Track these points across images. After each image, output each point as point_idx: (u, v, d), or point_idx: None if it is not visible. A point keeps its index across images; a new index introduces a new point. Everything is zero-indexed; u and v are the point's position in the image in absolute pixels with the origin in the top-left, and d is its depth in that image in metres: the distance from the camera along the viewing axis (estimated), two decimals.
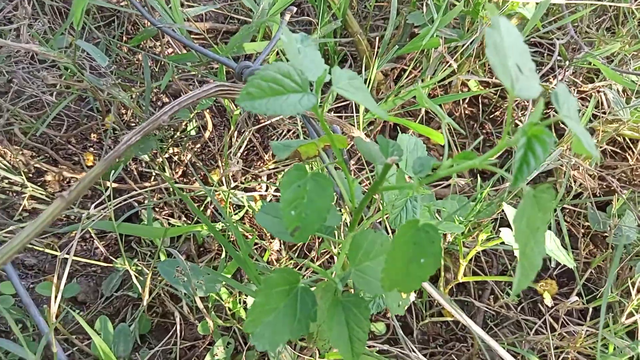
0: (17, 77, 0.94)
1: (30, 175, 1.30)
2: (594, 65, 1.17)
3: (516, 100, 1.20)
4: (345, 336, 0.51)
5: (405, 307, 0.60)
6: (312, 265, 0.50)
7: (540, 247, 0.44)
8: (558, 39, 1.25)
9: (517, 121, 1.21)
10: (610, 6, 1.21)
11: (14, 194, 1.25)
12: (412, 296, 0.77)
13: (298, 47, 0.58)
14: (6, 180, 1.24)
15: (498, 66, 0.39)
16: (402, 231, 0.45)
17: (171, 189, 1.21)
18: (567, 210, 1.16)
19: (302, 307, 0.51)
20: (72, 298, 1.15)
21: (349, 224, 0.65)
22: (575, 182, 1.04)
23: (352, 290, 0.61)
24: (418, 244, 0.45)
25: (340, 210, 0.84)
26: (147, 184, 1.27)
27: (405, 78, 1.19)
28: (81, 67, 0.99)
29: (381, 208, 0.73)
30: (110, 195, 0.83)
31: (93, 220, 0.84)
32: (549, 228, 1.08)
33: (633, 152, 1.23)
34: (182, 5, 1.49)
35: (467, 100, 1.37)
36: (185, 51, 1.27)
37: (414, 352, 0.76)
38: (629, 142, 1.22)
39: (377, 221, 0.84)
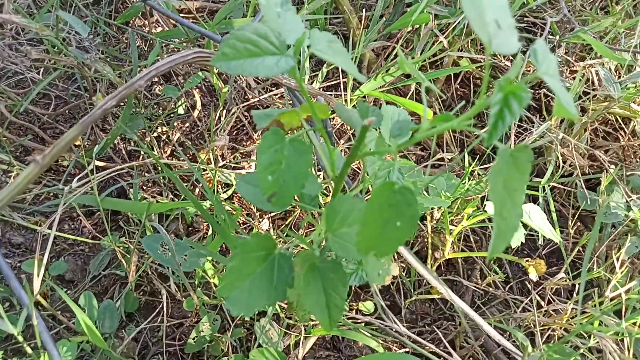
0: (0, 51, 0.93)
1: (18, 154, 1.28)
2: (586, 42, 1.16)
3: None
4: (323, 303, 0.50)
5: (387, 277, 0.59)
6: (291, 232, 0.49)
7: (518, 208, 0.43)
8: (550, 16, 1.24)
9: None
10: None
11: (1, 172, 1.24)
12: (396, 271, 0.77)
13: (277, 11, 0.57)
14: None
15: (475, 20, 0.38)
16: (378, 193, 0.44)
17: (160, 167, 1.20)
18: (558, 190, 1.16)
19: (279, 273, 0.50)
20: (60, 276, 1.14)
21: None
22: (565, 162, 1.04)
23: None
24: (394, 206, 0.45)
25: (322, 180, 0.83)
26: (135, 163, 1.26)
27: (395, 57, 1.18)
28: (67, 42, 0.97)
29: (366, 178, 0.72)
30: (93, 170, 0.82)
31: (76, 195, 0.83)
32: (537, 204, 1.08)
33: (625, 131, 1.22)
34: None
35: (458, 81, 1.36)
36: (173, 28, 1.25)
37: (396, 323, 0.76)
38: (620, 122, 1.21)
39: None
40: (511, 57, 1.33)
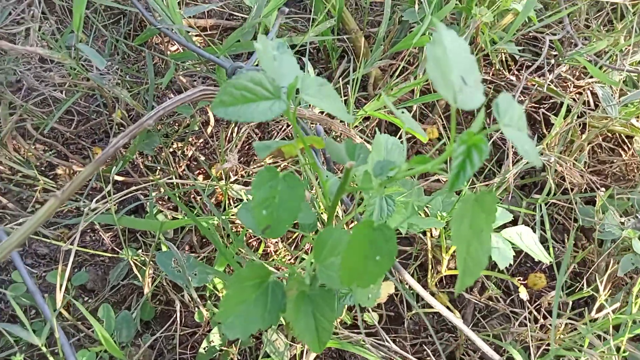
0: (25, 77, 1.00)
1: (43, 169, 1.36)
2: (590, 59, 1.18)
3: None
4: (312, 327, 0.55)
5: (377, 300, 0.64)
6: (281, 262, 0.54)
7: (485, 246, 0.47)
8: (554, 34, 1.26)
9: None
10: (607, 1, 1.22)
11: (27, 187, 1.32)
12: (391, 289, 0.81)
13: (274, 54, 0.62)
14: (20, 174, 1.31)
15: (439, 80, 0.42)
16: (358, 231, 0.48)
17: (174, 184, 1.26)
18: (559, 206, 1.18)
19: (272, 299, 0.55)
20: (82, 286, 1.21)
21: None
22: (564, 179, 1.06)
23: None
24: (373, 242, 0.49)
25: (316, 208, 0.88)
26: (151, 178, 1.32)
27: (400, 75, 1.22)
28: (86, 67, 1.04)
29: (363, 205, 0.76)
30: (110, 191, 0.89)
31: (95, 214, 0.89)
32: (529, 225, 1.10)
33: (629, 147, 1.24)
34: (184, 3, 1.53)
35: None
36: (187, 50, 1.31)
37: (389, 342, 0.80)
38: (624, 137, 1.23)
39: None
40: (516, 73, 1.36)
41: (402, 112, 0.57)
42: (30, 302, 1.13)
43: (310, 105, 1.09)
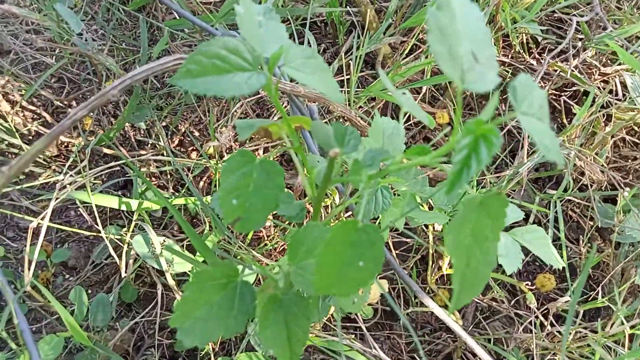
0: (2, 37, 0.92)
1: (30, 137, 1.30)
2: (621, 44, 1.08)
3: None
4: (284, 336, 0.47)
5: (364, 304, 0.56)
6: (252, 262, 0.47)
7: (490, 257, 0.39)
8: (581, 15, 1.16)
9: None
10: None
11: (13, 156, 1.25)
12: (385, 287, 0.73)
13: (259, 20, 0.53)
14: (5, 142, 1.24)
15: (443, 55, 0.34)
16: (337, 232, 0.41)
17: (163, 158, 1.19)
18: (574, 203, 1.09)
19: (240, 302, 0.48)
20: (63, 263, 1.16)
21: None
22: (583, 174, 0.97)
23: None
24: (356, 246, 0.41)
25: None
26: (143, 152, 1.25)
27: (411, 53, 1.12)
28: (72, 31, 0.96)
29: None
30: (86, 166, 0.82)
31: (65, 190, 0.82)
32: (541, 222, 1.02)
33: None
34: None
35: None
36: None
37: (376, 349, 0.73)
38: None
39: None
40: (537, 56, 1.26)
41: (404, 94, 0.49)
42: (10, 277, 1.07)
43: None
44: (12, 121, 1.26)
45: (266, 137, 0.64)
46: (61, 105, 1.34)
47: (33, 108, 1.29)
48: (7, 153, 1.26)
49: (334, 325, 0.99)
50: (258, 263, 0.91)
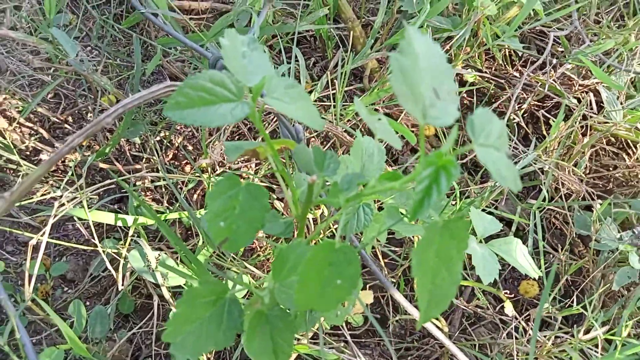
0: (1, 60, 0.96)
1: (27, 153, 1.33)
2: (597, 59, 1.12)
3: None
4: (270, 349, 0.51)
5: (345, 317, 0.60)
6: (237, 281, 0.50)
7: (455, 277, 0.42)
8: (561, 29, 1.20)
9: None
10: None
11: (11, 172, 1.29)
12: (370, 299, 0.77)
13: (243, 51, 0.57)
14: (3, 158, 1.27)
15: (405, 94, 0.38)
16: (316, 252, 0.44)
17: (154, 175, 1.22)
18: (557, 211, 1.13)
19: (228, 318, 0.52)
20: (62, 276, 1.19)
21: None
22: (563, 185, 1.01)
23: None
24: (334, 265, 0.45)
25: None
26: (138, 166, 1.28)
27: None
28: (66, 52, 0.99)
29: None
30: (82, 184, 0.85)
31: (70, 205, 0.86)
32: (524, 230, 1.06)
33: (634, 151, 1.18)
34: None
35: (465, 90, 1.33)
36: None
37: (359, 357, 0.77)
38: (628, 141, 1.17)
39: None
40: (519, 69, 1.30)
41: (379, 119, 0.52)
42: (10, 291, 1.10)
43: None
44: (9, 137, 1.29)
45: (254, 157, 0.68)
46: (57, 121, 1.37)
47: (30, 125, 1.33)
48: (5, 169, 1.29)
49: (324, 334, 1.02)
50: (249, 275, 0.94)
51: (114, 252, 1.07)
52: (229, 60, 0.52)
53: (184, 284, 0.90)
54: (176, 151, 1.32)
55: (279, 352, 0.51)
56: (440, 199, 0.37)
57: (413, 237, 1.05)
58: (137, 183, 1.21)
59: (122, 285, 0.94)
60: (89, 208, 1.05)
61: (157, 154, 1.26)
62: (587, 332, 0.82)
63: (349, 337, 0.81)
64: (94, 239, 1.00)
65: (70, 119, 1.39)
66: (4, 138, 1.29)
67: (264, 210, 0.53)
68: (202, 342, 0.50)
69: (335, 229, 1.10)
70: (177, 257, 1.07)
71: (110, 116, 0.59)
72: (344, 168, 0.65)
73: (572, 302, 1.03)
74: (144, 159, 1.30)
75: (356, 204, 0.63)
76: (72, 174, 1.09)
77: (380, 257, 1.16)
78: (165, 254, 0.89)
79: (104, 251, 0.95)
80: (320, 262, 0.45)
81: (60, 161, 1.32)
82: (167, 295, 0.88)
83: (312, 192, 0.49)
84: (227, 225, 0.51)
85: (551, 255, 1.12)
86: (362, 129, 1.24)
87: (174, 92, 0.49)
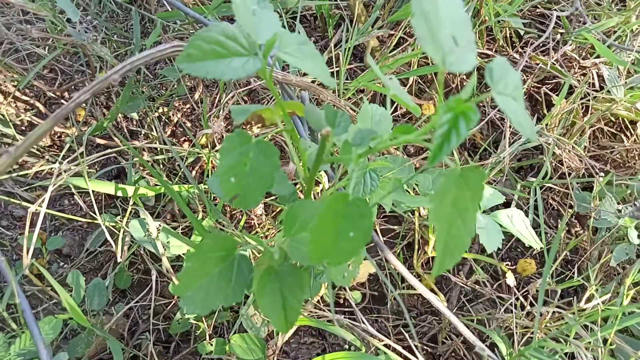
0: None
1: (23, 128, 1.31)
2: (598, 37, 1.12)
3: None
4: (279, 305, 0.51)
5: (355, 279, 0.60)
6: (249, 236, 0.50)
7: (469, 227, 0.42)
8: (562, 10, 1.20)
9: None
10: None
11: (6, 146, 1.27)
12: (372, 268, 0.77)
13: (253, 9, 0.56)
14: None
15: (426, 38, 0.37)
16: (331, 204, 0.44)
17: (159, 148, 1.21)
18: (555, 191, 1.14)
19: (237, 274, 0.51)
20: (58, 251, 1.17)
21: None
22: (562, 163, 1.02)
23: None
24: (347, 217, 0.45)
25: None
26: (136, 142, 1.27)
27: (398, 46, 1.16)
28: (67, 21, 0.97)
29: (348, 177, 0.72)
30: (83, 152, 0.84)
31: (67, 175, 0.84)
32: (522, 209, 1.06)
33: (632, 133, 1.19)
34: None
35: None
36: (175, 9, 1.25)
37: (364, 323, 0.77)
38: (627, 122, 1.18)
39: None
40: (520, 50, 1.30)
41: (390, 79, 0.52)
42: None
43: (299, 71, 1.04)
44: (5, 111, 1.27)
45: (259, 123, 0.68)
46: (54, 96, 1.35)
47: (26, 99, 1.31)
48: (0, 143, 1.27)
49: (323, 308, 1.02)
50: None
51: (112, 226, 1.06)
52: (240, 17, 0.51)
53: (184, 254, 0.90)
54: (174, 128, 1.31)
55: (288, 308, 0.51)
56: (460, 142, 0.37)
57: (412, 213, 1.05)
58: (135, 159, 1.20)
59: (121, 258, 0.94)
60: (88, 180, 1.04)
61: (156, 129, 1.25)
62: (587, 301, 0.83)
63: (353, 304, 0.81)
64: (93, 211, 0.99)
65: (66, 94, 1.37)
66: None
67: (274, 168, 0.53)
68: (211, 297, 0.49)
69: None
70: (177, 229, 1.06)
71: (117, 73, 0.58)
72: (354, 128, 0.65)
73: (568, 277, 1.04)
74: (142, 134, 1.29)
75: (364, 166, 0.62)
76: (72, 146, 1.07)
77: (379, 234, 1.16)
78: (166, 225, 0.89)
79: (103, 223, 0.94)
80: (334, 214, 0.44)
81: (56, 137, 1.30)
82: (167, 265, 0.87)
83: (325, 147, 0.48)
84: (237, 182, 0.51)
85: (549, 235, 1.12)
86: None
87: (187, 44, 0.48)
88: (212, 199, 1.17)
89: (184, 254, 0.89)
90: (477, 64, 0.39)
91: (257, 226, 1.17)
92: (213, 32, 0.48)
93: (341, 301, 1.12)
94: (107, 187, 0.93)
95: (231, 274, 0.51)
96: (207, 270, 0.50)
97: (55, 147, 1.29)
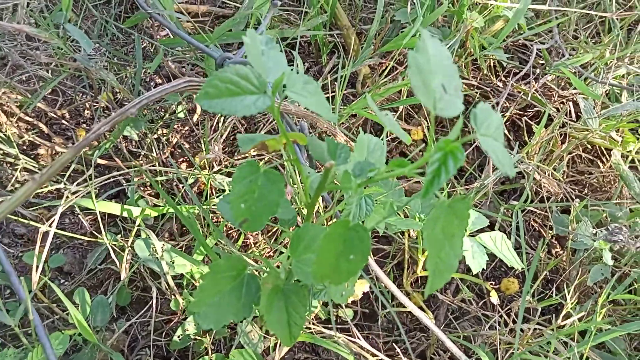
0: (11, 54, 0.99)
1: (24, 148, 1.35)
2: (575, 70, 1.20)
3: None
4: (284, 321, 0.56)
5: (351, 297, 0.65)
6: (258, 256, 0.55)
7: (457, 250, 0.48)
8: (543, 43, 1.28)
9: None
10: (596, 14, 1.24)
11: (8, 165, 1.30)
12: (365, 287, 0.82)
13: (262, 49, 0.62)
14: (0, 152, 1.29)
15: (420, 87, 0.43)
16: (333, 229, 0.49)
17: (157, 171, 1.26)
18: (536, 213, 1.20)
19: (247, 292, 0.56)
20: (58, 268, 1.21)
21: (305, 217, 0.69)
22: (542, 187, 1.08)
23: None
24: (348, 241, 0.50)
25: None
26: (134, 163, 1.32)
27: (389, 74, 1.23)
28: (73, 48, 1.03)
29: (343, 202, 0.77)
30: (92, 175, 0.88)
31: (75, 197, 0.89)
32: (505, 231, 1.12)
33: (607, 159, 1.26)
34: None
35: None
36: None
37: (359, 339, 0.82)
38: (603, 149, 1.25)
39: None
40: (503, 79, 1.38)
41: (386, 115, 0.58)
42: (4, 282, 1.12)
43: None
44: (8, 131, 1.31)
45: (262, 150, 0.73)
46: (55, 116, 1.39)
47: (28, 119, 1.35)
48: (2, 162, 1.31)
49: (317, 325, 1.07)
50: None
51: (114, 244, 1.10)
52: (251, 57, 0.57)
53: (187, 273, 0.94)
54: (173, 149, 1.36)
55: (292, 324, 0.56)
56: (448, 178, 0.42)
57: (402, 234, 1.11)
58: (136, 179, 1.24)
59: (125, 274, 0.97)
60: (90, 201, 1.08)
61: (155, 151, 1.30)
62: (565, 318, 0.88)
63: (349, 320, 0.85)
64: (99, 229, 1.03)
65: (67, 114, 1.41)
66: (1, 132, 1.31)
67: (280, 195, 0.58)
68: (223, 313, 0.54)
69: (333, 222, 1.15)
70: (179, 248, 1.10)
71: (135, 107, 0.63)
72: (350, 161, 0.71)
73: (548, 296, 1.10)
74: (141, 156, 1.33)
75: (361, 193, 0.68)
76: (77, 167, 1.12)
77: (370, 254, 1.21)
78: (169, 244, 0.93)
79: (108, 242, 0.98)
80: (336, 238, 0.50)
81: (58, 157, 1.34)
82: (171, 283, 0.92)
83: (327, 177, 0.54)
84: (247, 207, 0.56)
85: (530, 255, 1.19)
86: (355, 132, 1.30)
87: (204, 83, 0.54)
88: (210, 219, 1.21)
89: (187, 272, 0.93)
90: (463, 109, 0.45)
91: (252, 245, 1.22)
92: (228, 72, 0.54)
93: (333, 318, 1.17)
94: (113, 208, 0.98)
95: (241, 292, 0.56)
96: (219, 288, 0.54)
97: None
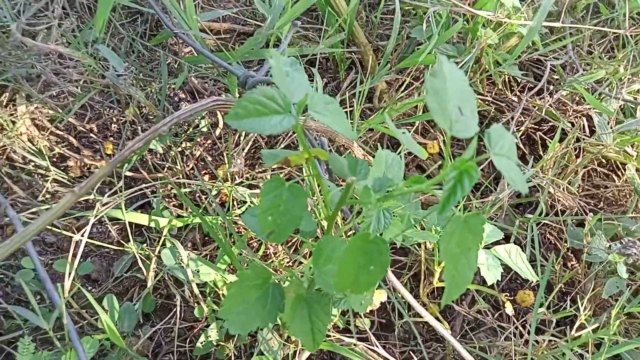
0: (45, 72, 1.04)
1: (55, 160, 1.41)
2: (589, 86, 1.22)
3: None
4: (308, 328, 0.59)
5: (369, 306, 0.68)
6: (282, 267, 0.58)
7: (472, 264, 0.51)
8: (557, 58, 1.30)
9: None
10: (610, 30, 1.26)
11: (39, 177, 1.36)
12: (383, 297, 0.85)
13: (286, 71, 0.66)
14: (32, 164, 1.35)
15: (437, 110, 0.47)
16: (354, 242, 0.53)
17: (181, 183, 1.30)
18: (552, 226, 1.22)
19: (272, 300, 0.60)
20: (86, 276, 1.26)
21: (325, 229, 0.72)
22: (558, 201, 1.10)
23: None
24: (368, 253, 0.53)
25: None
26: (160, 175, 1.37)
27: (405, 89, 1.26)
28: (104, 66, 1.08)
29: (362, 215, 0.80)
30: (122, 187, 0.93)
31: (106, 209, 0.93)
32: (521, 243, 1.14)
33: (622, 173, 1.28)
34: (200, 7, 1.57)
35: None
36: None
37: (378, 347, 0.84)
38: (618, 163, 1.27)
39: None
40: (518, 94, 1.40)
41: (403, 133, 0.61)
42: (37, 287, 1.17)
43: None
44: (40, 144, 1.37)
45: (285, 164, 0.77)
46: (83, 130, 1.45)
47: (58, 132, 1.41)
48: (33, 174, 1.37)
49: (335, 334, 1.10)
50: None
51: (140, 253, 1.15)
52: (276, 78, 0.61)
53: (211, 281, 0.98)
54: (196, 162, 1.41)
55: (315, 331, 0.59)
56: (464, 195, 0.46)
57: (419, 246, 1.13)
58: (161, 190, 1.29)
59: (151, 282, 1.02)
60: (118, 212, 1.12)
61: (179, 163, 1.35)
62: (579, 329, 0.90)
63: (367, 329, 0.88)
64: (127, 239, 1.08)
65: (95, 128, 1.47)
66: (34, 145, 1.37)
67: (303, 208, 0.61)
68: (250, 319, 0.58)
69: (352, 234, 1.19)
70: (204, 256, 1.14)
71: (166, 125, 0.67)
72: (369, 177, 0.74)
73: (565, 308, 1.11)
74: (166, 168, 1.38)
75: (380, 207, 0.71)
76: (109, 180, 1.17)
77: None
78: (193, 253, 0.97)
79: (135, 251, 1.03)
80: (356, 250, 0.53)
81: (86, 168, 1.40)
82: (196, 291, 0.95)
83: (348, 192, 0.57)
84: (273, 220, 0.60)
85: (545, 268, 1.20)
86: (372, 145, 1.33)
87: (234, 104, 0.58)
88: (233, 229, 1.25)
89: (211, 281, 0.97)
90: (478, 130, 0.49)
91: (272, 255, 1.25)
92: (255, 94, 0.58)
93: (351, 327, 1.19)
94: (142, 219, 1.02)
95: (266, 300, 0.59)
96: (246, 296, 0.58)
97: (85, 178, 1.38)
